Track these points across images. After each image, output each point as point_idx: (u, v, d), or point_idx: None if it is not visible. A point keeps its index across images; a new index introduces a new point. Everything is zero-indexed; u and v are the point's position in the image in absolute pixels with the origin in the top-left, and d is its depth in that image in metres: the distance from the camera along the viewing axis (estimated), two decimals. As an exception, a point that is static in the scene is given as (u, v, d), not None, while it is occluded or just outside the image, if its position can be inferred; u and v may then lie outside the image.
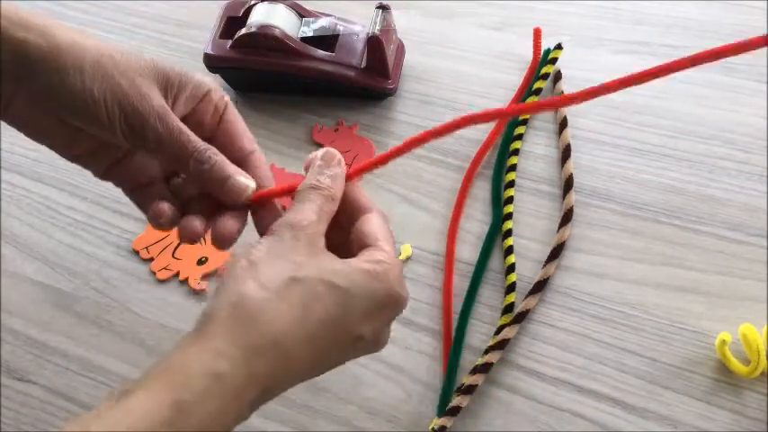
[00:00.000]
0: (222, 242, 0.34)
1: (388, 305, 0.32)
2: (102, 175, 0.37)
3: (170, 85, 0.34)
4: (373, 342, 0.33)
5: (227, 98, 0.36)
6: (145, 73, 0.33)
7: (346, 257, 0.32)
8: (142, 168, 0.37)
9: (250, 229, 0.35)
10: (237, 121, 0.36)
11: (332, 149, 0.35)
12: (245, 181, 0.34)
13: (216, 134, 0.36)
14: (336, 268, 0.31)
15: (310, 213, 0.32)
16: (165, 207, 0.35)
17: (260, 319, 0.29)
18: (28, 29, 0.31)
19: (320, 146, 0.56)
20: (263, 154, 0.37)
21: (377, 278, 0.31)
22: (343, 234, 0.34)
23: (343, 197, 0.34)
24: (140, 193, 0.37)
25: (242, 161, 0.35)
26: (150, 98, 0.32)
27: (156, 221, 0.35)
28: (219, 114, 0.36)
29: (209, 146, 0.34)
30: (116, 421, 0.26)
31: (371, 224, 0.34)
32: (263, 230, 0.35)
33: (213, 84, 0.35)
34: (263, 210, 0.35)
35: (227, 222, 0.34)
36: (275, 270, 0.30)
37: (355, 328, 0.31)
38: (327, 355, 0.32)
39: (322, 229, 0.32)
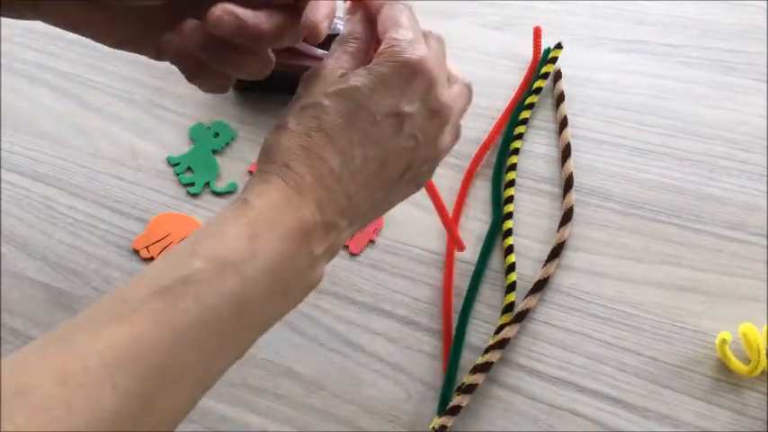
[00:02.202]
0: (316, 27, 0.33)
1: (408, 75, 0.32)
2: (157, 56, 0.35)
3: None
4: (428, 111, 0.33)
5: None
6: None
7: None
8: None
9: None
10: None
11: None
12: None
13: None
14: (338, 80, 0.32)
15: (322, 63, 0.33)
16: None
17: (282, 143, 0.31)
18: None
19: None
20: None
21: (382, 61, 0.32)
22: None
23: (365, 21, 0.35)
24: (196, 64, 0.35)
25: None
26: None
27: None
28: None
29: None
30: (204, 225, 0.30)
31: (382, 23, 0.34)
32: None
33: None
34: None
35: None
36: (285, 111, 0.33)
37: (383, 108, 0.31)
38: (370, 143, 0.31)
39: (337, 66, 0.33)
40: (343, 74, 0.32)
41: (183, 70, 0.35)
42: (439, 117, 0.33)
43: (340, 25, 0.58)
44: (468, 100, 0.36)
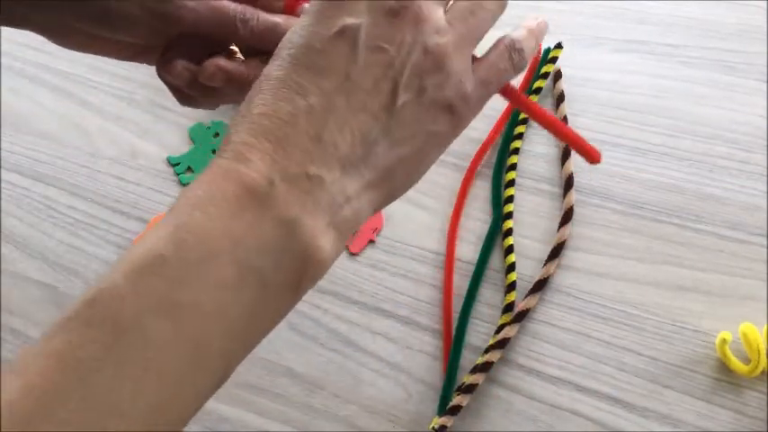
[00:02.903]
0: None
1: None
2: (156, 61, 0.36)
3: None
4: (388, 17, 0.27)
5: None
6: None
7: None
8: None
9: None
10: None
11: None
12: (294, 20, 0.33)
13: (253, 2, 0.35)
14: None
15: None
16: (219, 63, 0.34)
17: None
18: None
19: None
20: None
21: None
22: None
23: None
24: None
25: (285, 10, 0.35)
26: None
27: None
28: None
29: (245, 5, 0.34)
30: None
31: None
32: None
33: None
34: None
35: None
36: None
37: (318, 36, 0.27)
38: (316, 71, 0.26)
39: None
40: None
41: (175, 97, 0.37)
42: (402, 15, 0.27)
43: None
44: (497, 4, 0.31)
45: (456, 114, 0.28)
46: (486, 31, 0.30)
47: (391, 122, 0.27)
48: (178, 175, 0.56)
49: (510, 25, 0.64)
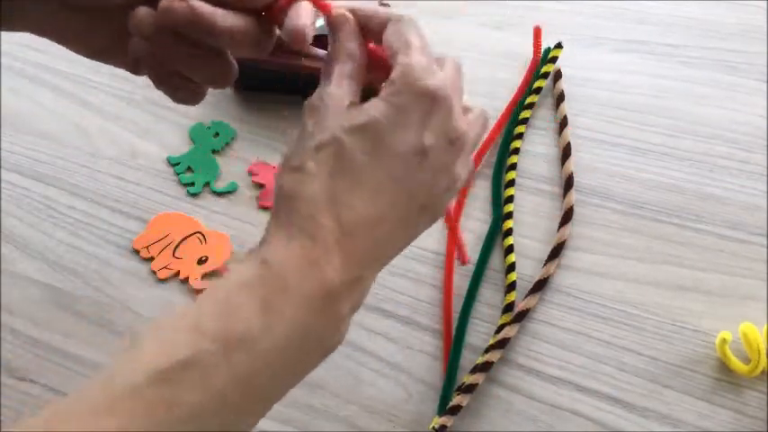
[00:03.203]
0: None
1: (426, 104, 0.29)
2: (134, 67, 0.34)
3: None
4: (446, 141, 0.30)
5: None
6: None
7: None
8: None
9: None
10: None
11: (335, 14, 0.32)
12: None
13: None
14: (352, 113, 0.30)
15: (324, 90, 0.31)
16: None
17: (303, 191, 0.29)
18: None
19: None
20: None
21: (398, 91, 0.29)
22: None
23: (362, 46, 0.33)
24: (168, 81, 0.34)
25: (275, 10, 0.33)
26: None
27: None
28: None
29: None
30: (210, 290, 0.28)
31: (388, 42, 0.32)
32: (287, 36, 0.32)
33: None
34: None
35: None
36: (298, 148, 0.30)
37: (406, 143, 0.29)
38: (397, 182, 0.29)
39: (342, 93, 0.31)
40: (352, 103, 0.30)
41: (151, 77, 0.34)
42: (456, 146, 0.31)
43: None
44: (484, 128, 0.34)
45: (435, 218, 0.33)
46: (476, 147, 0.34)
47: (412, 227, 0.32)
48: (178, 175, 0.56)
49: (511, 25, 0.64)
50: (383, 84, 0.31)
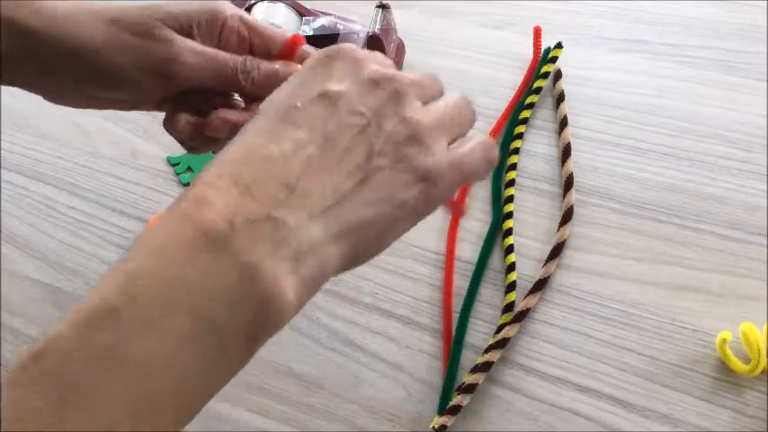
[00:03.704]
0: None
1: (323, 61, 0.29)
2: (156, 108, 0.38)
3: (184, 28, 0.34)
4: (370, 88, 0.28)
5: (241, 14, 0.36)
6: (158, 25, 0.33)
7: None
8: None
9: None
10: (262, 32, 0.36)
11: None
12: (295, 67, 0.35)
13: (250, 49, 0.36)
14: None
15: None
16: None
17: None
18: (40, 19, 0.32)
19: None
20: (297, 34, 0.37)
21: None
22: None
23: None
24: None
25: (282, 54, 0.36)
26: (175, 39, 0.33)
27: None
28: (244, 34, 0.36)
29: (245, 56, 0.35)
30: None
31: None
32: None
33: (226, 8, 0.35)
34: None
35: None
36: None
37: (301, 95, 0.28)
38: (294, 124, 0.27)
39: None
40: None
41: (183, 146, 0.38)
42: (383, 87, 0.28)
43: (340, 25, 0.58)
44: (469, 112, 0.31)
45: (429, 184, 0.28)
46: (455, 135, 0.30)
47: (365, 181, 0.27)
48: (178, 175, 0.56)
49: (511, 24, 0.64)
50: None
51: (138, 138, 0.58)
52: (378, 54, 0.30)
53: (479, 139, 0.30)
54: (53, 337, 0.21)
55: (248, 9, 0.57)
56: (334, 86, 0.27)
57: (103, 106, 0.36)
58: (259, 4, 0.57)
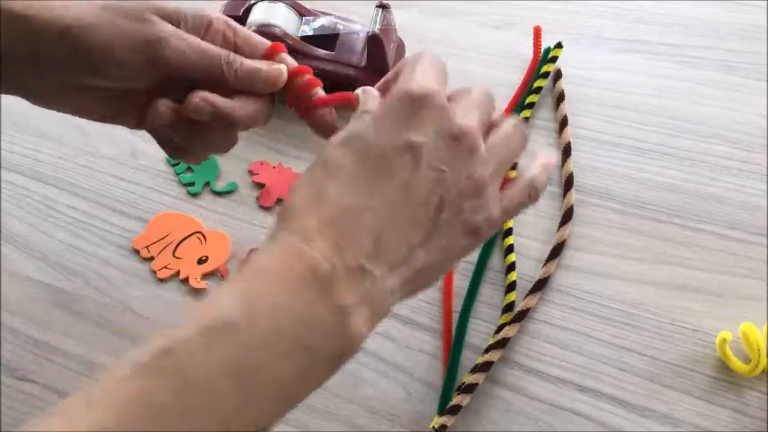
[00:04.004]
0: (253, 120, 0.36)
1: (412, 105, 0.30)
2: (136, 126, 0.38)
3: (173, 20, 0.34)
4: (445, 141, 0.30)
5: (226, 18, 0.36)
6: (149, 12, 0.34)
7: None
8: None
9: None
10: (246, 35, 0.37)
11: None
12: (278, 66, 0.35)
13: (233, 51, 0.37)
14: (343, 130, 0.31)
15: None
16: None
17: (289, 201, 0.30)
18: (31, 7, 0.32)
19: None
20: (278, 42, 0.37)
21: (380, 103, 0.31)
22: None
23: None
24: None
25: (264, 57, 0.37)
26: (164, 24, 0.34)
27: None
28: (229, 36, 0.36)
29: (229, 51, 0.35)
30: (196, 310, 0.27)
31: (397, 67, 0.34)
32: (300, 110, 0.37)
33: (213, 12, 0.36)
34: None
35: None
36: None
37: (390, 141, 0.30)
38: (382, 178, 0.29)
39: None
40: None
41: (164, 149, 0.38)
42: (461, 143, 0.31)
43: (340, 25, 0.58)
44: (522, 139, 0.34)
45: (479, 236, 0.32)
46: (512, 162, 0.34)
47: (433, 233, 0.30)
48: (178, 174, 0.56)
49: (511, 24, 0.64)
50: None
51: (138, 138, 0.58)
52: (462, 94, 0.33)
53: (522, 184, 0.34)
54: (180, 336, 0.25)
55: (248, 9, 0.57)
56: (420, 138, 0.30)
57: (83, 105, 0.36)
58: (259, 4, 0.57)
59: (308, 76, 0.37)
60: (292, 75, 0.36)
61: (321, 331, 0.27)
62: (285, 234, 0.28)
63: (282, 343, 0.26)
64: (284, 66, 0.36)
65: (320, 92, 0.37)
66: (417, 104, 0.30)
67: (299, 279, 0.27)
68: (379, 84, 0.35)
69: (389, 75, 0.35)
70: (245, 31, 0.37)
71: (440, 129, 0.30)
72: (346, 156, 0.30)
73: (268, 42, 0.37)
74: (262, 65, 0.35)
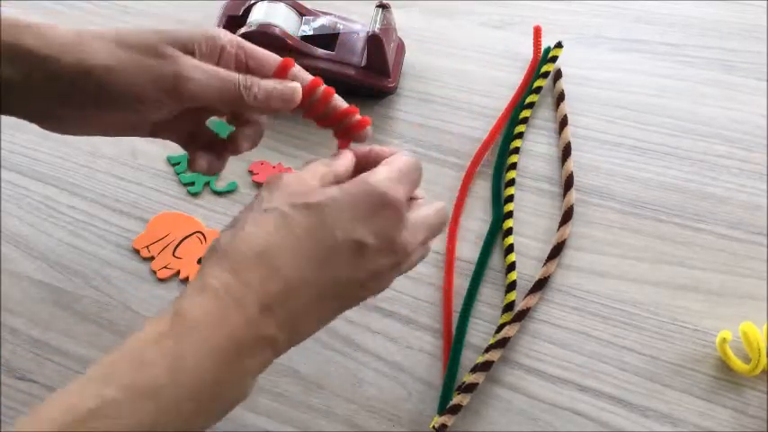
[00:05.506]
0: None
1: (377, 205, 0.32)
2: (149, 136, 0.39)
3: (188, 49, 0.35)
4: (387, 250, 0.33)
5: (238, 40, 0.37)
6: (163, 45, 0.34)
7: None
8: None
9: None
10: (257, 55, 0.37)
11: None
12: (292, 85, 0.36)
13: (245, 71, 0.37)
14: (309, 191, 0.32)
15: (291, 173, 0.34)
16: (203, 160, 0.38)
17: (236, 246, 0.31)
18: (51, 47, 0.33)
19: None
20: (288, 58, 0.38)
21: (355, 185, 0.32)
22: None
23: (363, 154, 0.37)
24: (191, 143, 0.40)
25: (275, 75, 0.37)
26: (182, 58, 0.34)
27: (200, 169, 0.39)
28: (241, 58, 0.36)
29: (244, 74, 0.36)
30: (125, 344, 0.29)
31: (373, 155, 0.36)
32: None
33: (222, 33, 0.36)
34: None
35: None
36: (245, 212, 0.33)
37: (346, 232, 0.31)
38: (326, 264, 0.31)
39: (309, 176, 0.34)
40: (312, 187, 0.33)
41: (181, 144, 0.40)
42: (393, 257, 0.33)
43: (340, 25, 0.58)
44: (442, 224, 0.37)
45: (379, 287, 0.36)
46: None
47: (334, 315, 0.34)
48: (178, 174, 0.56)
49: (511, 24, 0.64)
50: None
51: (137, 137, 0.58)
52: (420, 213, 0.35)
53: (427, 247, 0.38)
54: (109, 399, 0.26)
55: (248, 9, 0.57)
56: (369, 239, 0.32)
57: (100, 130, 0.37)
58: (259, 3, 0.57)
59: (323, 88, 0.37)
60: (308, 91, 0.36)
61: (225, 394, 0.29)
62: (219, 290, 0.30)
63: (197, 405, 0.28)
64: (298, 84, 0.36)
65: (337, 99, 0.37)
66: (381, 206, 0.32)
67: (221, 347, 0.29)
68: (360, 151, 0.37)
69: (375, 150, 0.36)
70: (256, 51, 0.37)
71: (387, 237, 0.33)
72: (302, 224, 0.31)
73: (279, 58, 0.37)
74: (277, 85, 0.36)
